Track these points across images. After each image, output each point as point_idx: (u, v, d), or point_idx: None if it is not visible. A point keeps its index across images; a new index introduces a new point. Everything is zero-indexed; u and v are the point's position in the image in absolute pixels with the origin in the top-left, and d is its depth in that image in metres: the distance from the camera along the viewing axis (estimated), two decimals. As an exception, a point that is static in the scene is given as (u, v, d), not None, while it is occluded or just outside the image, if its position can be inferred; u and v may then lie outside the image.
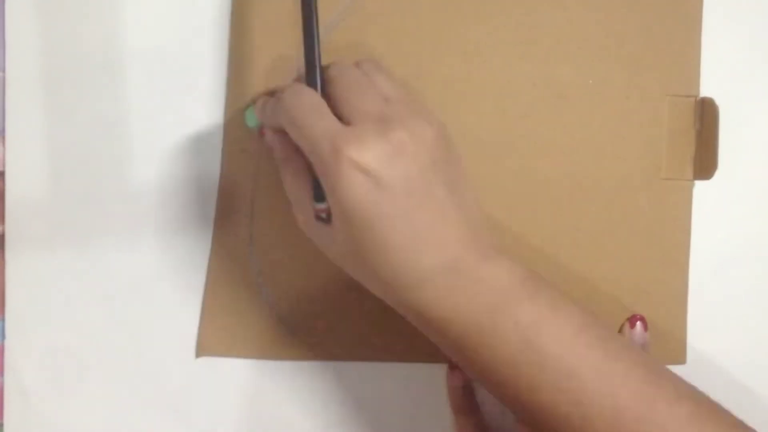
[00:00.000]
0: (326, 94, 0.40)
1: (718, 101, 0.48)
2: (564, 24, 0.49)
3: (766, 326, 0.50)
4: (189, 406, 0.48)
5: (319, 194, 0.39)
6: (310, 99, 0.39)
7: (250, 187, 0.48)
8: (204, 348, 0.48)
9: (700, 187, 0.50)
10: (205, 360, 0.48)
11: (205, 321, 0.48)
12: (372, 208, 0.36)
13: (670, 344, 0.48)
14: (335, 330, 0.49)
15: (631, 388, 0.37)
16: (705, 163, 0.49)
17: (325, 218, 0.39)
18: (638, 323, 0.48)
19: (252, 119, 0.45)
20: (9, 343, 0.48)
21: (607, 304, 0.49)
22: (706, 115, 0.49)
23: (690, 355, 0.50)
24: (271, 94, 0.45)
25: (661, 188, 0.50)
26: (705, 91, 0.50)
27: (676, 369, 0.49)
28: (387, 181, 0.36)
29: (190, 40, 0.48)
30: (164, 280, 0.48)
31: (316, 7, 0.41)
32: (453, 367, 0.48)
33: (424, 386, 0.49)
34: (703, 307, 0.50)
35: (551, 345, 0.37)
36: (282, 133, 0.40)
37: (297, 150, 0.40)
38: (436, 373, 0.49)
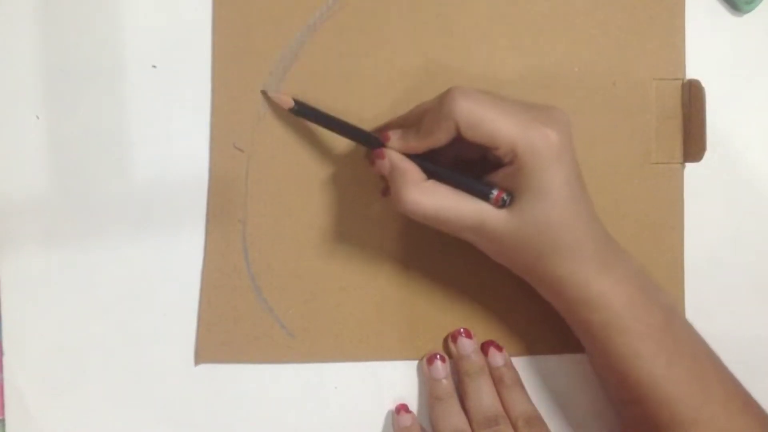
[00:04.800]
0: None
1: (704, 83, 0.48)
2: (548, 13, 0.49)
3: (761, 307, 0.50)
4: (187, 410, 0.48)
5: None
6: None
7: (242, 189, 0.48)
8: (203, 355, 0.48)
9: (690, 169, 0.50)
10: (203, 364, 0.48)
11: (202, 328, 0.48)
12: None
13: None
14: (333, 331, 0.48)
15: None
16: (694, 146, 0.49)
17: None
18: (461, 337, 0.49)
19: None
20: (5, 346, 0.48)
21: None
22: (693, 97, 0.49)
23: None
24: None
25: (652, 173, 0.50)
26: (690, 74, 0.50)
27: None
28: None
29: (178, 44, 0.48)
30: (162, 283, 0.48)
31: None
32: (399, 410, 0.49)
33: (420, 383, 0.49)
34: (698, 289, 0.50)
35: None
36: None
37: None
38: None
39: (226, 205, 0.48)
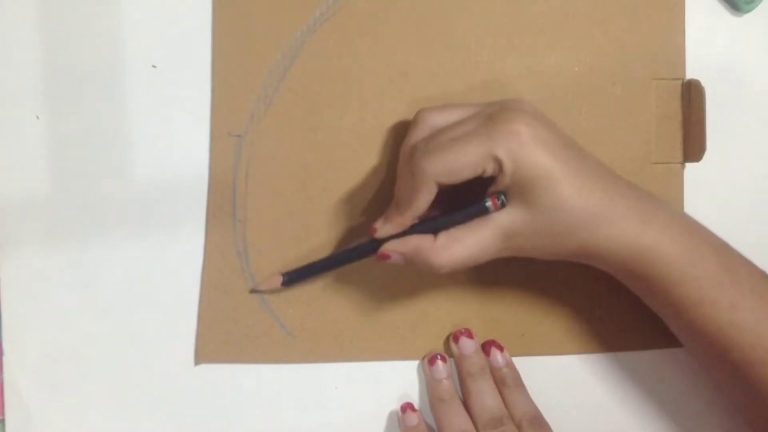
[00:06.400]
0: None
1: (704, 83, 0.48)
2: (548, 13, 0.49)
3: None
4: (187, 410, 0.48)
5: None
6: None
7: (243, 189, 0.48)
8: (203, 355, 0.48)
9: (690, 169, 0.50)
10: (203, 364, 0.48)
11: (202, 328, 0.48)
12: None
13: (669, 328, 0.48)
14: (333, 331, 0.48)
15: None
16: (694, 146, 0.49)
17: None
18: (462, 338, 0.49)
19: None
20: (5, 346, 0.48)
21: (603, 292, 0.49)
22: (693, 97, 0.49)
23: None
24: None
25: (652, 173, 0.50)
26: (690, 74, 0.50)
27: (676, 351, 0.50)
28: None
29: (178, 44, 0.48)
30: (162, 283, 0.48)
31: None
32: (405, 409, 0.49)
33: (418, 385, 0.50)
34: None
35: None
36: None
37: None
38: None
39: (226, 205, 0.48)
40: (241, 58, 0.47)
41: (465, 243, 0.42)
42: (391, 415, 0.49)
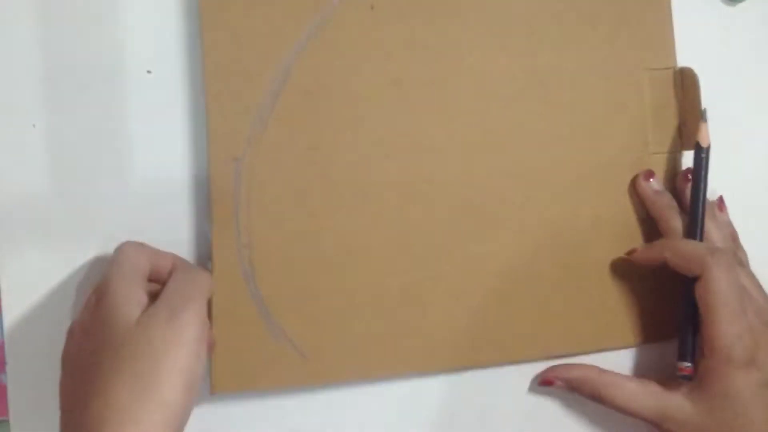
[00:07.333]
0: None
1: (699, 74, 0.48)
2: (537, 12, 0.49)
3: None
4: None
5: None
6: None
7: (245, 214, 0.46)
8: (219, 385, 0.46)
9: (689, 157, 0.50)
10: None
11: (216, 357, 0.46)
12: None
13: (670, 325, 0.49)
14: (346, 350, 0.47)
15: None
16: (691, 133, 0.49)
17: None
18: None
19: None
20: (7, 346, 0.47)
21: (604, 289, 0.50)
22: (686, 84, 0.49)
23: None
24: None
25: (651, 163, 0.50)
26: (684, 63, 0.50)
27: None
28: None
29: (174, 49, 0.47)
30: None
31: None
32: None
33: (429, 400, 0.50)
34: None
35: None
36: None
37: None
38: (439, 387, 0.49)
39: (229, 231, 0.46)
40: (233, 82, 0.46)
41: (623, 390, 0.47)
42: (393, 415, 0.49)
